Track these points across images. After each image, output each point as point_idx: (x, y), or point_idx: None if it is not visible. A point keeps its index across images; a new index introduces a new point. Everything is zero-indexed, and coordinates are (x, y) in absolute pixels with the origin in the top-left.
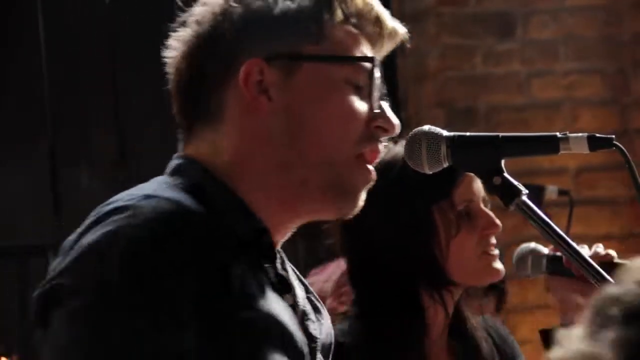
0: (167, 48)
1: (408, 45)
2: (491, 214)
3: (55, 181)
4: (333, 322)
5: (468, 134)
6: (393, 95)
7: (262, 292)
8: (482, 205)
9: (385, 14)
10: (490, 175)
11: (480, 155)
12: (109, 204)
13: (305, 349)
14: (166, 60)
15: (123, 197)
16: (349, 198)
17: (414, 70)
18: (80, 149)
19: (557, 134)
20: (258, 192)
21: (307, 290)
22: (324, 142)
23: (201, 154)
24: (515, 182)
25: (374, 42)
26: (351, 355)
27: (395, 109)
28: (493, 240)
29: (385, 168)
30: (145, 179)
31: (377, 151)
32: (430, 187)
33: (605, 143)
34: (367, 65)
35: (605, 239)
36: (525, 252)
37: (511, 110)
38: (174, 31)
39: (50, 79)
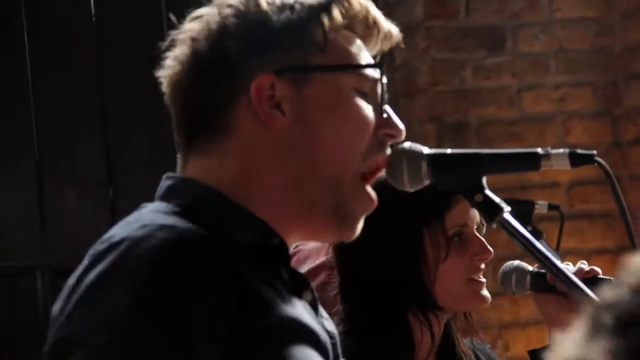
0: (161, 67)
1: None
2: (483, 240)
3: (42, 201)
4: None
5: (449, 151)
6: None
7: (280, 297)
8: (475, 231)
9: (380, 16)
10: (472, 192)
11: (461, 173)
12: (104, 241)
13: (329, 345)
14: (161, 79)
15: (117, 232)
16: (349, 224)
17: (403, 85)
18: (67, 168)
19: (539, 150)
20: (265, 208)
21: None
22: (337, 152)
23: (202, 172)
24: (497, 199)
25: (370, 44)
26: None
27: None
28: (482, 267)
29: (380, 187)
30: (132, 198)
31: (384, 159)
32: (423, 209)
33: (587, 159)
34: (374, 71)
35: (599, 253)
36: (509, 269)
37: (502, 124)
38: (166, 49)
39: (36, 98)
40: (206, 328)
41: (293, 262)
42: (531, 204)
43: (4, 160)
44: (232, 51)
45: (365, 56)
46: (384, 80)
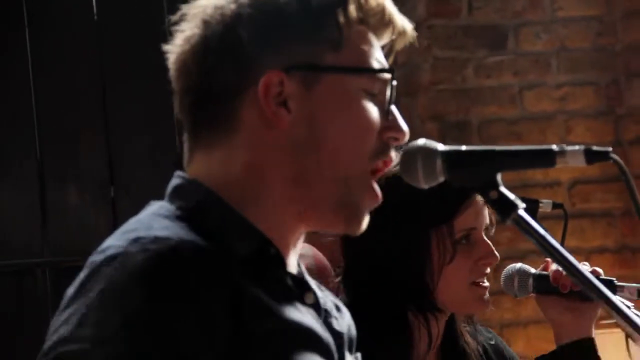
0: (169, 43)
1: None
2: (490, 244)
3: (43, 199)
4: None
5: (464, 147)
6: None
7: (279, 303)
8: (483, 235)
9: (396, 13)
10: (486, 189)
11: (476, 170)
12: (101, 251)
13: (333, 347)
14: (168, 55)
15: (114, 243)
16: (356, 217)
17: (405, 84)
18: (69, 167)
19: (554, 147)
20: (270, 207)
21: (321, 289)
22: (342, 154)
23: (207, 169)
24: (512, 196)
25: (383, 39)
26: None
27: None
28: (487, 271)
29: (391, 184)
30: (133, 197)
31: (390, 162)
32: (432, 210)
33: (602, 156)
34: (386, 75)
35: (600, 252)
36: (511, 272)
37: (504, 123)
38: (174, 25)
39: (38, 97)
40: (201, 340)
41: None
42: (535, 203)
43: (7, 159)
44: (244, 42)
45: (378, 55)
46: (394, 83)
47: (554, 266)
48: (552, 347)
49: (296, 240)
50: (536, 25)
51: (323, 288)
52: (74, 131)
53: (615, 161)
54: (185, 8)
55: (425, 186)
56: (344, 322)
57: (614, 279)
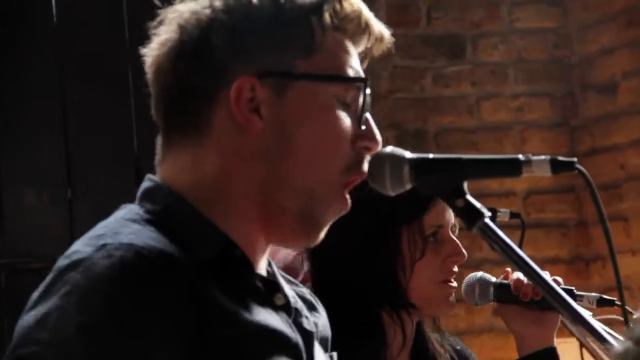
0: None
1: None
2: (458, 242)
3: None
4: None
5: (431, 155)
6: None
7: (244, 307)
8: (450, 232)
9: (372, 19)
10: (453, 197)
11: (442, 177)
12: (67, 257)
13: (301, 346)
14: (145, 58)
15: (80, 248)
16: (314, 230)
17: None
18: (26, 168)
19: (520, 156)
20: (235, 213)
21: (297, 286)
22: (312, 164)
23: (177, 173)
24: (478, 205)
25: (361, 45)
26: None
27: None
28: (455, 269)
29: (361, 184)
30: (90, 198)
31: (363, 175)
32: (402, 208)
33: (568, 166)
34: (358, 84)
35: (553, 262)
36: (472, 281)
37: (461, 133)
38: (155, 27)
39: None
40: (160, 347)
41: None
42: (493, 212)
43: None
44: (216, 48)
45: (354, 63)
46: (367, 92)
47: (514, 275)
48: (505, 355)
49: (263, 246)
50: (494, 36)
51: (299, 285)
52: (31, 131)
53: (580, 172)
54: (163, 12)
55: (392, 193)
56: (319, 321)
57: (573, 288)
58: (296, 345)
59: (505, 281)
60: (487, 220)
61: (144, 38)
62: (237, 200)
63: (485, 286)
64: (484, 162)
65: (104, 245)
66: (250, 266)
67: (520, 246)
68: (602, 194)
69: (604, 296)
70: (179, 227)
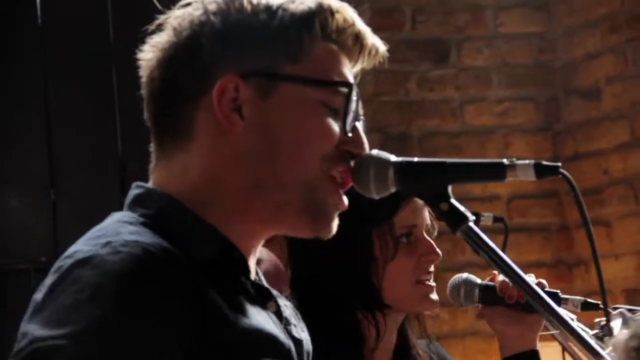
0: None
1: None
2: (432, 242)
3: None
4: None
5: (416, 159)
6: None
7: (241, 310)
8: (424, 233)
9: (366, 31)
10: (437, 201)
11: (427, 181)
12: (69, 256)
13: (294, 353)
14: (140, 62)
15: (83, 247)
16: (323, 219)
17: None
18: (9, 169)
19: (505, 160)
20: (232, 214)
21: (279, 297)
22: (296, 162)
23: (167, 177)
24: (462, 209)
25: (354, 58)
26: None
27: None
28: (431, 269)
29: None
30: (74, 200)
31: (348, 171)
32: (372, 209)
33: (552, 171)
34: (344, 89)
35: (536, 266)
36: (458, 282)
37: (445, 136)
38: (152, 33)
39: None
40: (170, 342)
41: None
42: (477, 216)
43: None
44: (204, 50)
45: (344, 71)
46: (354, 98)
47: (500, 277)
48: (488, 358)
49: (256, 247)
50: (478, 40)
51: (280, 296)
52: (15, 133)
53: (564, 176)
54: (161, 18)
55: (376, 196)
56: (303, 335)
57: (558, 291)
58: (289, 350)
59: (491, 283)
60: (471, 223)
61: (129, 40)
62: (229, 203)
63: (470, 287)
64: (468, 166)
65: (108, 243)
66: (246, 269)
67: (503, 250)
68: (585, 198)
69: (589, 300)
70: (176, 229)
